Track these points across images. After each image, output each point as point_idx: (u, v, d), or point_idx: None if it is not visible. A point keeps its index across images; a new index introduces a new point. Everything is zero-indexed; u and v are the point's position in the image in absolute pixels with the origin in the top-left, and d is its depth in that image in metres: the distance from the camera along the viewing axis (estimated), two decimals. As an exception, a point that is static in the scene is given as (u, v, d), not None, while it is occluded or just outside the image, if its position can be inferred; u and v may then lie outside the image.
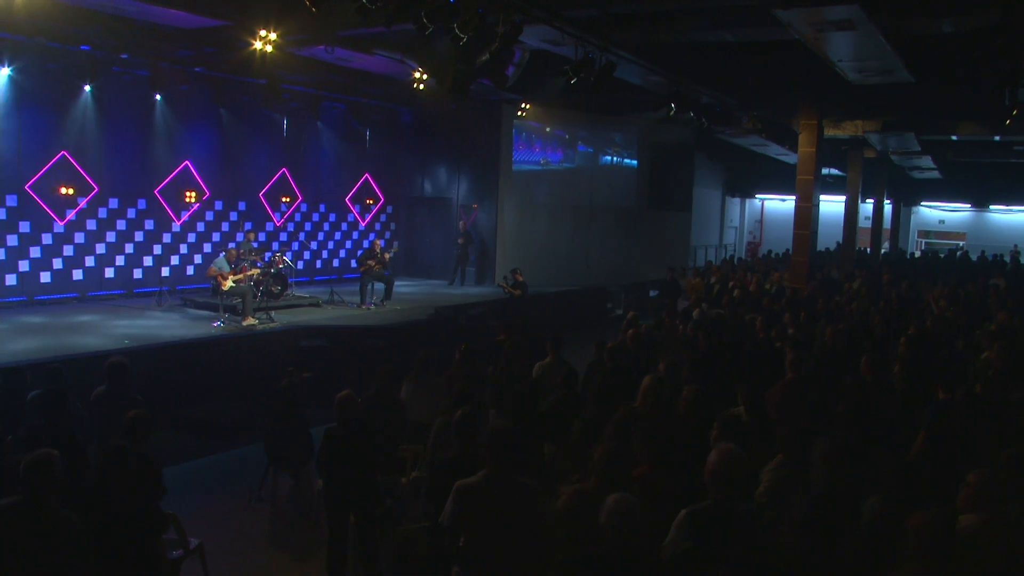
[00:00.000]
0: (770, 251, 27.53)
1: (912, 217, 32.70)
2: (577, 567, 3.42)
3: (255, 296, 12.94)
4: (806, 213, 16.20)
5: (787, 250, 21.83)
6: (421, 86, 13.55)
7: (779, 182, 29.08)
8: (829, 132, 18.44)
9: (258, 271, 12.83)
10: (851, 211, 20.46)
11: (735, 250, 32.14)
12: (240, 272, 12.44)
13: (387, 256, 15.24)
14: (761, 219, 35.05)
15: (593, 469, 4.03)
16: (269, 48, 11.33)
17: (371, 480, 5.56)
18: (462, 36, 8.07)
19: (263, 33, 11.08)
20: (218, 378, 9.96)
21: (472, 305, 14.91)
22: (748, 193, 34.14)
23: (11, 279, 12.69)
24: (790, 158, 23.07)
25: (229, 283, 11.98)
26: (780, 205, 34.42)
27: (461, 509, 3.96)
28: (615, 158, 22.25)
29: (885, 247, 28.34)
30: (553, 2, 9.71)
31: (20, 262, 12.78)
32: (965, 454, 5.56)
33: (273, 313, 12.59)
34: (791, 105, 16.36)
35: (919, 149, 20.19)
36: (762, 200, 34.78)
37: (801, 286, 15.31)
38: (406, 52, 12.52)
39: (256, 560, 6.24)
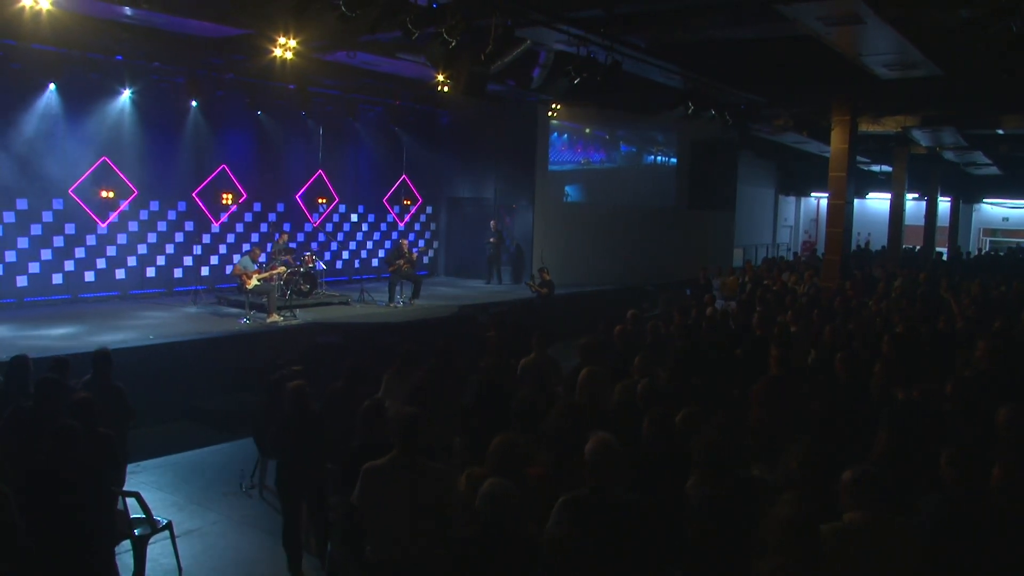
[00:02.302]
0: (815, 250, 26.98)
1: (974, 215, 31.55)
2: (451, 549, 3.60)
3: (283, 294, 13.46)
4: (839, 211, 15.89)
5: (858, 247, 21.39)
6: (445, 88, 13.83)
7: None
8: (871, 128, 18.06)
9: (284, 269, 13.31)
10: (897, 208, 19.96)
11: (788, 249, 31.54)
12: (270, 271, 12.99)
13: (415, 255, 15.59)
14: (816, 218, 34.30)
15: (488, 456, 4.18)
16: (289, 55, 11.80)
17: (320, 467, 5.82)
18: (451, 40, 8.28)
19: (282, 40, 11.55)
20: (232, 372, 10.40)
21: (494, 304, 15.12)
22: (802, 191, 33.46)
23: (57, 278, 13.48)
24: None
25: (253, 282, 12.48)
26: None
27: (368, 489, 4.19)
28: (656, 157, 22.15)
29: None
30: (553, 4, 9.86)
31: (66, 262, 13.56)
32: (926, 456, 5.49)
33: (298, 311, 13.05)
34: (823, 101, 16.07)
35: (966, 144, 19.52)
36: (818, 198, 34.03)
37: (832, 285, 15.04)
38: (426, 55, 12.79)
39: (230, 541, 6.56)
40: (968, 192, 29.89)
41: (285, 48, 11.64)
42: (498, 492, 3.56)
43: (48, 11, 9.43)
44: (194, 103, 14.57)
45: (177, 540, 6.35)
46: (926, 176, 23.98)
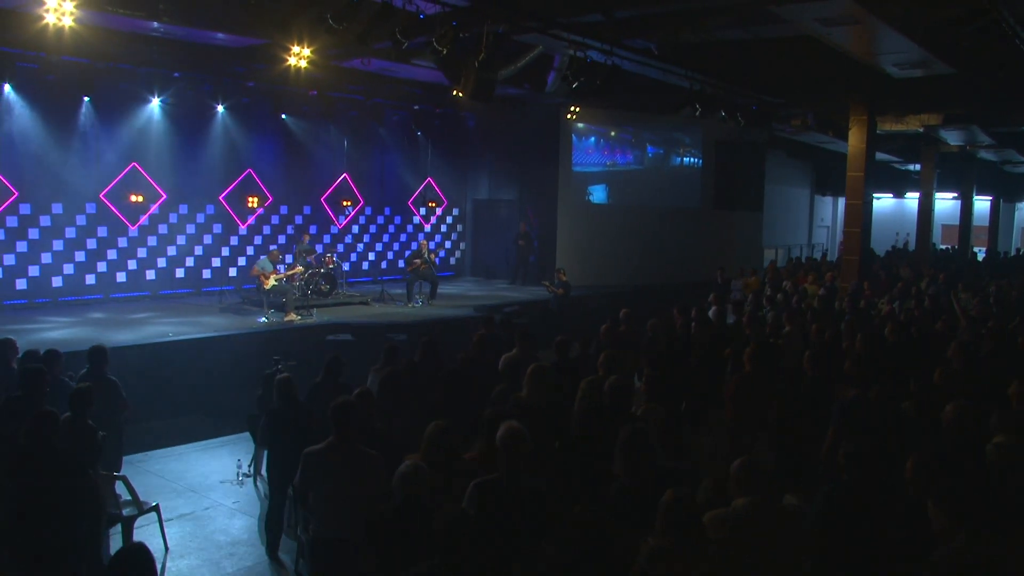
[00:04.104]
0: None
1: (1016, 214, 30.78)
2: (368, 522, 3.91)
3: (304, 294, 13.97)
4: (857, 211, 15.80)
5: (894, 248, 21.09)
6: (459, 92, 14.14)
7: (874, 180, 28.15)
8: (895, 127, 17.89)
9: (301, 269, 13.81)
10: (925, 208, 19.70)
11: (825, 250, 31.18)
12: (290, 271, 13.51)
13: (433, 256, 15.98)
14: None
15: (422, 443, 4.48)
16: (304, 63, 12.25)
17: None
18: (441, 49, 8.59)
19: (296, 49, 12.00)
20: (243, 367, 10.85)
21: (510, 304, 15.41)
22: (839, 191, 32.81)
23: (90, 279, 14.19)
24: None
25: (271, 282, 12.98)
26: (876, 203, 33.11)
27: (307, 472, 4.53)
28: (683, 158, 22.17)
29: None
30: (550, 10, 10.08)
31: (98, 263, 14.26)
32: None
33: (315, 310, 13.52)
34: (839, 101, 15.99)
35: (994, 143, 19.17)
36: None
37: (848, 285, 15.00)
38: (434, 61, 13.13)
39: (219, 525, 6.98)
40: (1009, 191, 29.20)
41: (299, 57, 12.10)
42: (408, 471, 3.86)
43: (71, 27, 10.00)
44: (220, 110, 15.15)
45: (170, 523, 6.85)
46: (962, 175, 23.56)
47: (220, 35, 12.34)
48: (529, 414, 5.11)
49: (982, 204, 28.34)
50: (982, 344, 8.42)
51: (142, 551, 3.48)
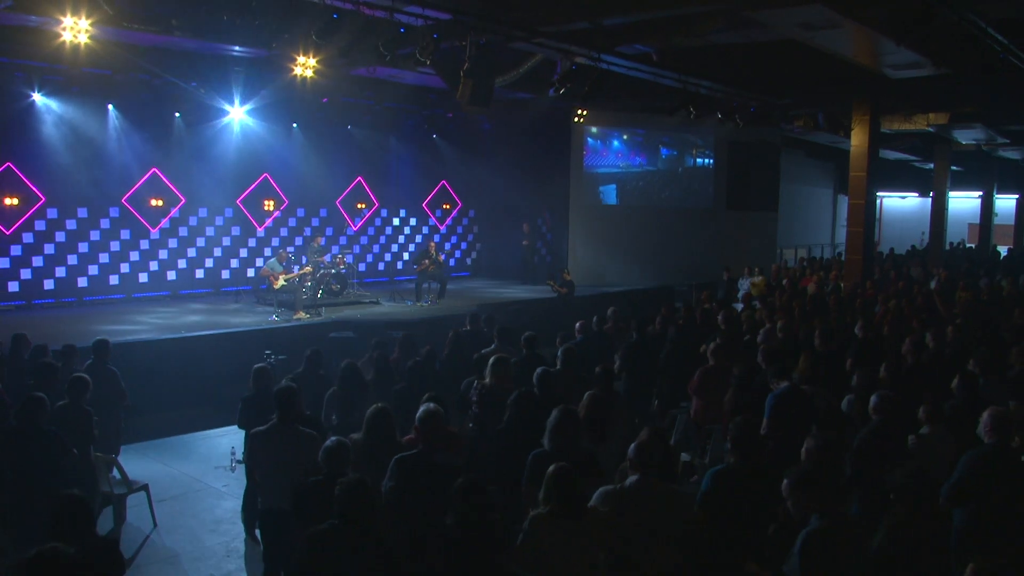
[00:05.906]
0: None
1: (1045, 212, 30.30)
2: (298, 492, 4.38)
3: (315, 294, 14.57)
4: (859, 211, 15.90)
5: (913, 248, 21.08)
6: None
7: (897, 179, 28.19)
8: (903, 127, 17.92)
9: (310, 269, 14.40)
10: (938, 206, 19.66)
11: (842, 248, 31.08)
12: (300, 271, 14.12)
13: (440, 256, 16.47)
14: (879, 217, 33.54)
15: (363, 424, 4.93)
16: (309, 72, 12.81)
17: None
18: (424, 60, 9.03)
19: (301, 60, 12.57)
20: (248, 362, 11.36)
21: (513, 303, 15.81)
22: (865, 190, 32.79)
23: (114, 279, 14.95)
24: (887, 155, 22.43)
25: (281, 282, 13.59)
26: (900, 203, 33.01)
27: (253, 450, 5.01)
28: (696, 159, 22.38)
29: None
30: (535, 19, 10.46)
31: (121, 264, 15.01)
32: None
33: (323, 309, 14.09)
34: (840, 101, 16.11)
35: (1007, 141, 19.08)
36: (880, 198, 33.27)
37: (849, 284, 15.15)
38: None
39: (206, 506, 7.55)
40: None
41: (304, 67, 12.65)
42: (332, 447, 4.32)
43: (86, 44, 10.67)
44: (236, 116, 15.76)
45: (163, 502, 7.42)
46: (983, 173, 23.40)
47: (236, 47, 12.95)
48: (493, 399, 5.56)
49: (1008, 202, 28.06)
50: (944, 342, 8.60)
51: (75, 497, 3.90)
